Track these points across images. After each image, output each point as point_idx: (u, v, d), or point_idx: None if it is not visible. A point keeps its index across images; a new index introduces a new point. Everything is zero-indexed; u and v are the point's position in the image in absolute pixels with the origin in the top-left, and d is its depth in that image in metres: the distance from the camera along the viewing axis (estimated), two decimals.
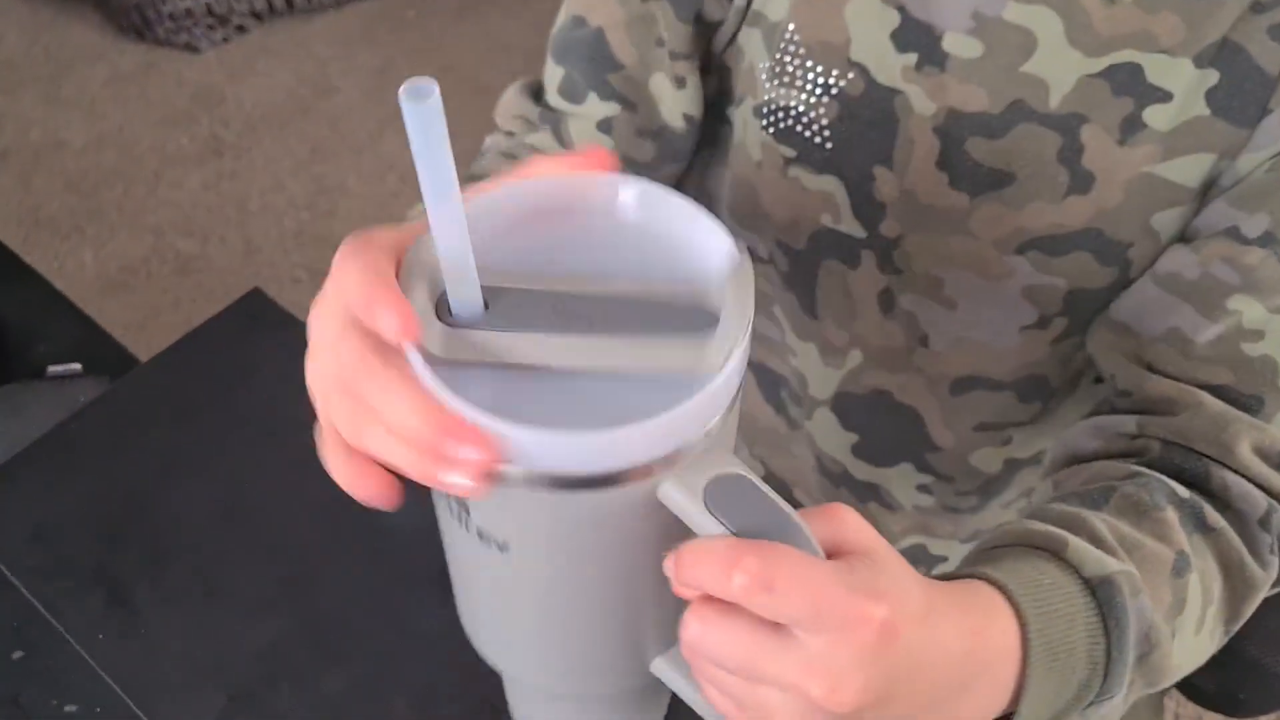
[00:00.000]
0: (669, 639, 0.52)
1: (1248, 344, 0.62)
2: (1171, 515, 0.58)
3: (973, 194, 0.67)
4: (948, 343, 0.74)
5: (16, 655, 0.77)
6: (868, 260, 0.73)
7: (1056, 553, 0.53)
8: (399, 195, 2.13)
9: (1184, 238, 0.66)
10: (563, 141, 0.72)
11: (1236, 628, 0.61)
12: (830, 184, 0.70)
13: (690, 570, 0.41)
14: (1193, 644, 0.58)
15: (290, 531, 0.78)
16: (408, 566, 0.76)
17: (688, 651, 0.44)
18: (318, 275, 2.00)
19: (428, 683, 0.72)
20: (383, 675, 0.72)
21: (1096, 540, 0.55)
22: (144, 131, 2.20)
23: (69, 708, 0.75)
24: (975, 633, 0.48)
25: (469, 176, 0.66)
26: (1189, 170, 0.64)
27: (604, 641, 0.51)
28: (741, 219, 0.76)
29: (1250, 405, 0.62)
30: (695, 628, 0.42)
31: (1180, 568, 0.56)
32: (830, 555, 0.42)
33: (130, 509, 0.79)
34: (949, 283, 0.71)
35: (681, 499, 0.42)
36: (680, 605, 0.52)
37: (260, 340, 0.89)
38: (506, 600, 0.49)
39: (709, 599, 0.42)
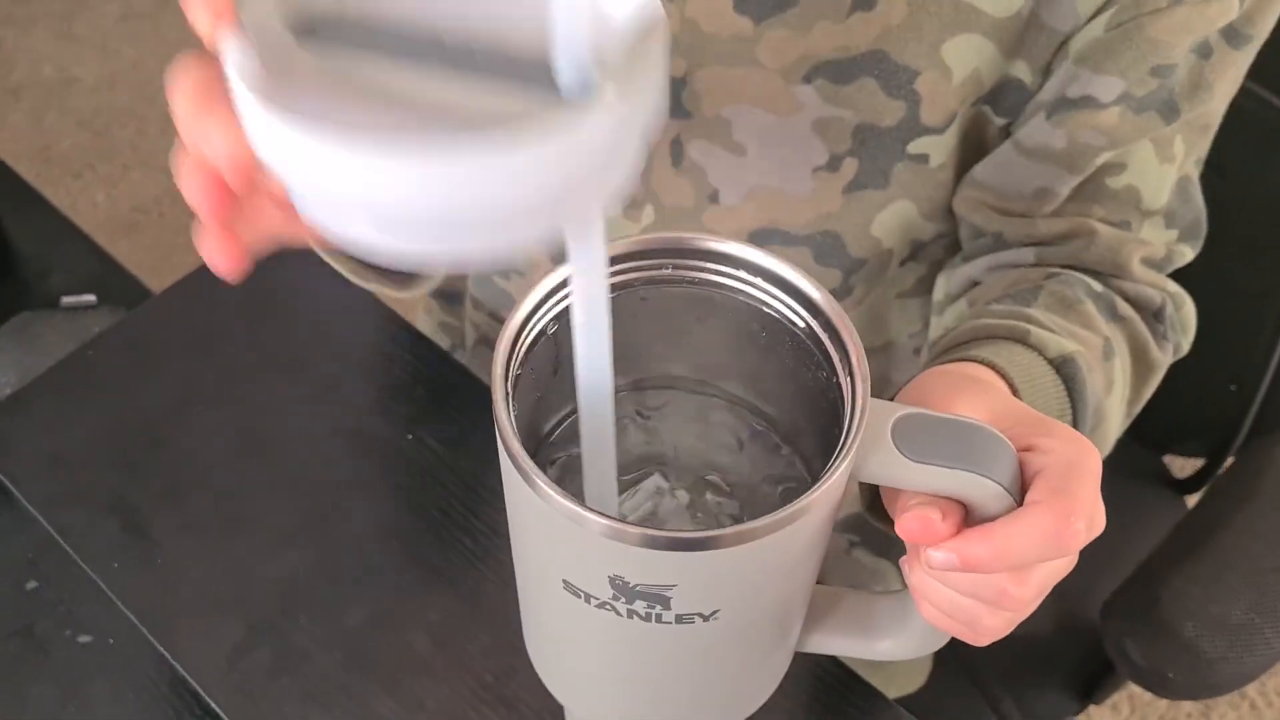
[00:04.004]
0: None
1: (1111, 178, 0.66)
2: (1090, 307, 0.63)
3: (758, 19, 0.66)
4: (740, 196, 0.73)
5: (30, 586, 0.76)
6: None
7: (1020, 339, 0.58)
8: None
9: (1045, 110, 0.66)
10: None
11: (1138, 410, 0.68)
12: None
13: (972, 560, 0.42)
14: (1118, 423, 0.64)
15: (310, 462, 0.77)
16: (430, 499, 0.75)
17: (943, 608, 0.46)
18: None
19: (448, 618, 0.71)
20: (403, 609, 0.71)
21: (1046, 328, 0.59)
22: (157, 69, 2.17)
23: (83, 639, 0.74)
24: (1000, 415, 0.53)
25: None
26: None
27: (769, 660, 0.50)
28: None
29: (1120, 229, 0.67)
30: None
31: (1108, 352, 0.62)
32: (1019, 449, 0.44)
33: (148, 437, 0.78)
34: (737, 125, 0.70)
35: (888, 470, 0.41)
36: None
37: (281, 270, 0.87)
38: (697, 668, 0.47)
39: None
